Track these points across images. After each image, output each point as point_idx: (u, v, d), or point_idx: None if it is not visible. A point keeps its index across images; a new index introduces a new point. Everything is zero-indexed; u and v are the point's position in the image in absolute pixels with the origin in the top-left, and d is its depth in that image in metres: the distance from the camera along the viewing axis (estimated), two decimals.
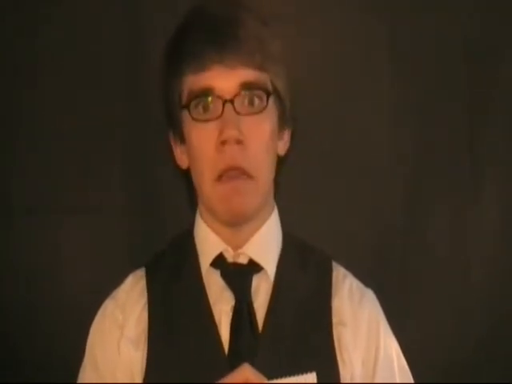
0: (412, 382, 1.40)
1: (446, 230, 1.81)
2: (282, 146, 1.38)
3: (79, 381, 1.37)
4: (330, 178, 1.80)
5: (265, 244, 1.35)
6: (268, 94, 1.29)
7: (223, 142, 1.25)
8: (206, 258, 1.35)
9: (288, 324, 1.31)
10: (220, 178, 1.27)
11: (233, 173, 1.27)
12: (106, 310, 1.38)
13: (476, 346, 1.79)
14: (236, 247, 1.34)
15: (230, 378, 1.18)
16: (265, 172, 1.31)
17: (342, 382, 1.31)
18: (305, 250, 1.41)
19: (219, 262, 1.34)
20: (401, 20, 1.80)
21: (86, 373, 1.36)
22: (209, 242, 1.35)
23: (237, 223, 1.32)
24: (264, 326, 1.30)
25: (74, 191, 1.77)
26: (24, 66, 1.77)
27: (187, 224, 1.41)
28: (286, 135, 1.38)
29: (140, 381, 1.31)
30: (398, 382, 1.37)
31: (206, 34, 1.26)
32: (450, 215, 1.82)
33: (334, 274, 1.39)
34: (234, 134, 1.25)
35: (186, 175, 1.37)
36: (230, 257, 1.34)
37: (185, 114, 1.30)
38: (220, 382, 1.18)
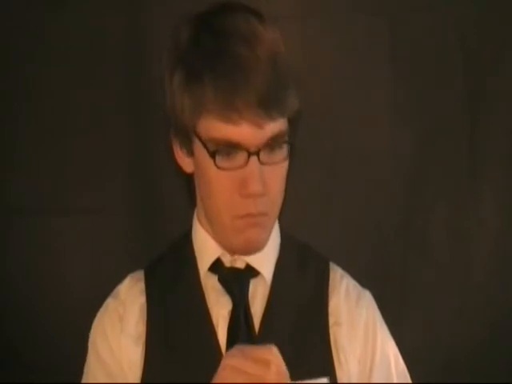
0: (410, 382, 1.40)
1: (446, 230, 1.81)
2: None
3: (84, 378, 1.37)
4: (330, 178, 1.80)
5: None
6: (290, 145, 1.28)
7: (248, 195, 1.25)
8: (204, 262, 1.35)
9: (285, 327, 1.32)
10: (238, 216, 1.27)
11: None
12: (107, 307, 1.38)
13: (476, 346, 1.80)
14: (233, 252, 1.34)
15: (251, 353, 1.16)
16: (279, 206, 1.31)
17: (338, 382, 1.32)
18: (302, 251, 1.41)
19: (217, 266, 1.34)
20: (401, 20, 1.80)
21: (91, 369, 1.36)
22: (207, 247, 1.35)
23: (249, 254, 1.33)
24: (260, 329, 1.31)
25: (74, 192, 1.77)
26: (24, 66, 1.76)
27: (187, 225, 1.41)
28: None
29: (140, 377, 1.32)
30: (395, 382, 1.37)
31: (233, 82, 1.20)
32: (449, 215, 1.82)
33: (332, 275, 1.40)
34: (260, 190, 1.24)
35: (187, 175, 1.36)
36: (227, 261, 1.34)
37: (205, 156, 1.25)
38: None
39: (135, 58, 1.78)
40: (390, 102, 1.80)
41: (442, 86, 1.80)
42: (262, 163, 1.24)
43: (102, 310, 1.39)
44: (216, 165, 1.24)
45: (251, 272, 1.34)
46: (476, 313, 1.80)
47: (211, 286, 1.34)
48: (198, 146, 1.27)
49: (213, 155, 1.24)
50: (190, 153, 1.30)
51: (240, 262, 1.34)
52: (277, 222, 1.39)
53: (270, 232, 1.34)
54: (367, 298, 1.41)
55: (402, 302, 1.79)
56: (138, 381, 1.31)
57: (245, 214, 1.26)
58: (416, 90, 1.80)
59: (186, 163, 1.33)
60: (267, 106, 1.21)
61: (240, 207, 1.25)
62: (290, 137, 1.27)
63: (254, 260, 1.33)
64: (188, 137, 1.28)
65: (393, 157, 1.81)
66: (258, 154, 1.23)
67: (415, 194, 1.81)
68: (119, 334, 1.34)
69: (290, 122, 1.28)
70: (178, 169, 1.36)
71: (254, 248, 1.31)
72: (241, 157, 1.24)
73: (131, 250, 1.76)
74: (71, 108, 1.77)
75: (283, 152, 1.27)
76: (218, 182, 1.25)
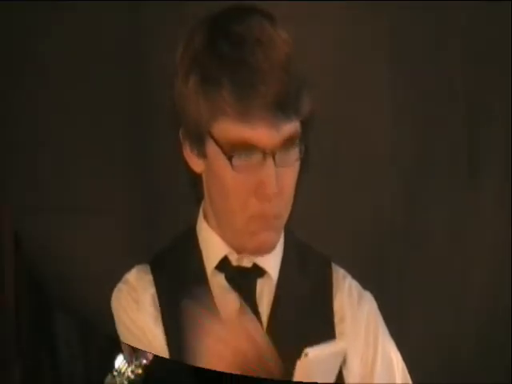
0: (410, 382, 1.41)
1: (446, 229, 1.81)
2: None
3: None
4: (330, 177, 1.80)
5: None
6: (304, 146, 1.30)
7: (264, 196, 1.26)
8: (210, 260, 1.36)
9: (291, 326, 1.33)
10: (253, 217, 1.29)
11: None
12: (121, 290, 1.39)
13: (476, 345, 1.80)
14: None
15: None
16: (290, 208, 1.33)
17: (343, 380, 1.33)
18: (305, 251, 1.43)
19: (223, 265, 1.35)
20: (401, 19, 1.80)
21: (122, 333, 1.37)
22: (213, 245, 1.36)
23: (260, 255, 1.35)
24: (267, 328, 1.32)
25: (75, 191, 1.77)
26: (25, 67, 1.76)
27: (188, 224, 1.41)
28: None
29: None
30: (396, 382, 1.38)
31: (251, 87, 1.22)
32: (449, 215, 1.82)
33: (334, 275, 1.42)
34: (275, 191, 1.26)
35: (194, 175, 1.36)
36: (234, 260, 1.35)
37: (220, 158, 1.27)
38: None
39: (135, 59, 1.78)
40: (390, 102, 1.80)
41: (442, 86, 1.80)
42: (277, 165, 1.26)
43: (115, 293, 1.40)
44: (232, 165, 1.25)
45: (258, 271, 1.35)
46: (476, 313, 1.80)
47: (217, 283, 1.35)
48: (212, 149, 1.28)
49: (230, 157, 1.25)
50: (202, 154, 1.31)
51: (247, 261, 1.35)
52: None
53: (281, 233, 1.36)
54: (368, 299, 1.43)
55: (401, 302, 1.79)
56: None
57: (260, 215, 1.28)
58: (416, 90, 1.80)
59: (197, 164, 1.34)
60: (284, 107, 1.24)
61: (255, 209, 1.27)
62: (302, 138, 1.29)
63: (262, 259, 1.35)
64: (201, 138, 1.29)
65: (393, 157, 1.81)
66: (273, 155, 1.25)
67: (415, 193, 1.81)
68: (137, 312, 1.35)
69: (303, 123, 1.30)
70: (186, 168, 1.36)
71: (267, 250, 1.33)
72: (257, 158, 1.26)
73: (131, 249, 1.76)
74: (71, 108, 1.77)
75: (296, 153, 1.29)
76: (234, 183, 1.27)
